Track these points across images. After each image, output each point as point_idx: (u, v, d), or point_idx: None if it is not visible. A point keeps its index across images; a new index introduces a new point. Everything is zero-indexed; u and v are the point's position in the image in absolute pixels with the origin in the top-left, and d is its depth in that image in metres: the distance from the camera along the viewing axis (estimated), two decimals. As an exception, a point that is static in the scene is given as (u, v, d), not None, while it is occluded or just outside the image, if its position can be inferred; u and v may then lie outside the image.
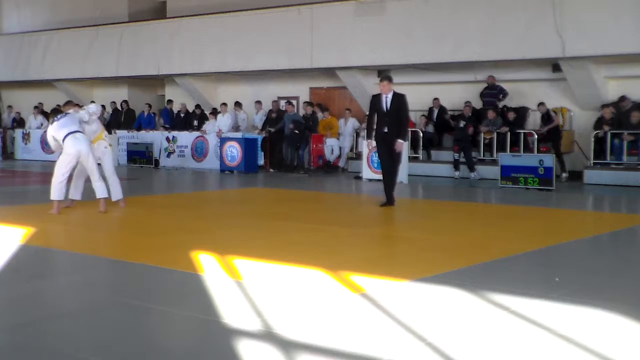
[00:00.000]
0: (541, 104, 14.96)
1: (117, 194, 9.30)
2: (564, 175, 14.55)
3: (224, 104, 18.48)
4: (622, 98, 14.53)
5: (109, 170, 9.33)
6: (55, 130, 8.85)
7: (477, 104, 16.19)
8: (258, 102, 18.77)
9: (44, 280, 5.16)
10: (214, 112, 18.97)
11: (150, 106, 20.92)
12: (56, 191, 8.74)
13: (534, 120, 16.02)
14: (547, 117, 14.88)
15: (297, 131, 16.58)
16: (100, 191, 8.96)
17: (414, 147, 16.22)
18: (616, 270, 5.97)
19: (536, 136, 14.84)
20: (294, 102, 18.49)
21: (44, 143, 21.76)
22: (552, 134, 14.78)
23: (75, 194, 9.26)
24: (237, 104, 18.74)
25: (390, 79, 9.99)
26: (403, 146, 9.84)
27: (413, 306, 4.44)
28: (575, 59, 14.32)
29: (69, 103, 9.85)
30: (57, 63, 22.57)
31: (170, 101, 21.00)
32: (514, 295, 4.64)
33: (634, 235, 8.06)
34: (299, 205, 10.84)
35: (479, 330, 3.95)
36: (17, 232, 7.09)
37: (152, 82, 22.80)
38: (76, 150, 8.72)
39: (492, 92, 15.87)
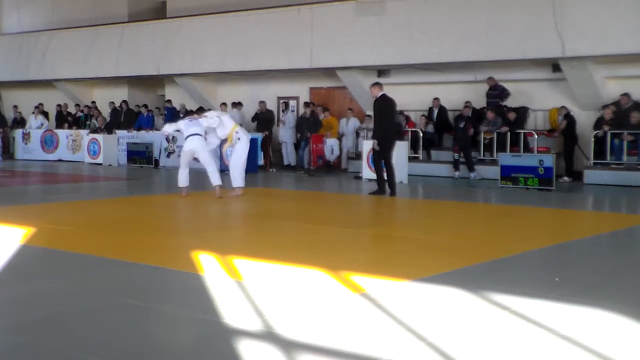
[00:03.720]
0: (563, 107, 14.87)
1: (236, 181, 10.71)
2: (566, 179, 14.41)
3: (224, 104, 18.47)
4: (624, 95, 14.48)
5: (231, 161, 11.01)
6: (183, 127, 10.92)
7: (477, 104, 16.20)
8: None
9: (44, 280, 5.15)
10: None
11: (146, 107, 20.89)
12: (181, 179, 10.83)
13: (534, 120, 16.04)
14: (567, 117, 14.69)
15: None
16: (213, 179, 10.56)
17: (414, 147, 16.22)
18: (616, 270, 5.97)
19: (536, 136, 14.85)
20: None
21: (44, 142, 21.80)
22: (570, 136, 14.65)
23: (183, 181, 10.92)
24: (236, 104, 18.68)
25: (375, 84, 11.65)
26: (375, 144, 11.38)
27: (413, 306, 4.44)
28: (575, 59, 14.32)
29: (200, 110, 12.14)
30: (57, 63, 22.56)
31: (169, 101, 20.98)
32: (514, 295, 4.64)
33: (634, 235, 8.06)
34: (299, 205, 10.84)
35: (479, 330, 3.95)
36: (17, 232, 7.09)
37: (152, 82, 22.79)
38: (190, 148, 10.70)
39: (494, 93, 15.86)
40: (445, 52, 15.60)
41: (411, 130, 16.38)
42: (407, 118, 16.74)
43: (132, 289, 4.93)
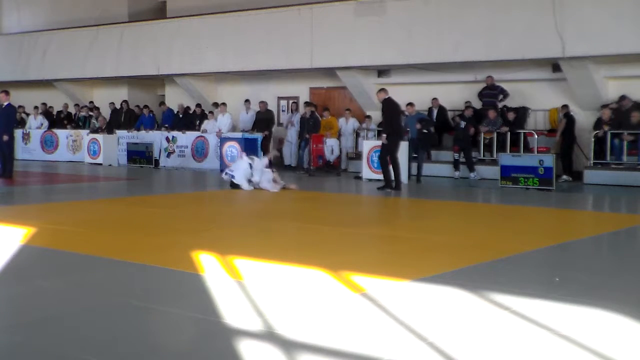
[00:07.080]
0: (564, 106, 14.88)
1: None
2: (564, 177, 14.41)
3: (224, 104, 18.46)
4: (623, 97, 14.50)
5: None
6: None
7: (477, 104, 16.19)
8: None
9: (44, 280, 5.15)
10: (212, 112, 18.97)
11: (148, 107, 20.87)
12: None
13: (534, 120, 16.03)
14: (566, 117, 14.69)
15: (425, 131, 14.87)
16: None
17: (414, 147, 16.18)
18: (616, 270, 5.98)
19: (536, 136, 14.84)
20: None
21: (44, 142, 21.79)
22: (569, 135, 14.63)
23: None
24: (223, 105, 18.63)
25: (381, 90, 12.67)
26: (383, 138, 12.42)
27: (413, 306, 4.44)
28: (575, 59, 14.32)
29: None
30: (57, 63, 22.56)
31: (163, 103, 20.94)
32: (514, 295, 4.64)
33: (634, 235, 8.06)
34: (299, 205, 10.84)
35: (479, 330, 3.95)
36: (17, 232, 7.09)
37: (152, 82, 22.79)
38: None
39: (492, 92, 15.85)
40: (445, 52, 15.60)
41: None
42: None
43: (132, 289, 4.93)
